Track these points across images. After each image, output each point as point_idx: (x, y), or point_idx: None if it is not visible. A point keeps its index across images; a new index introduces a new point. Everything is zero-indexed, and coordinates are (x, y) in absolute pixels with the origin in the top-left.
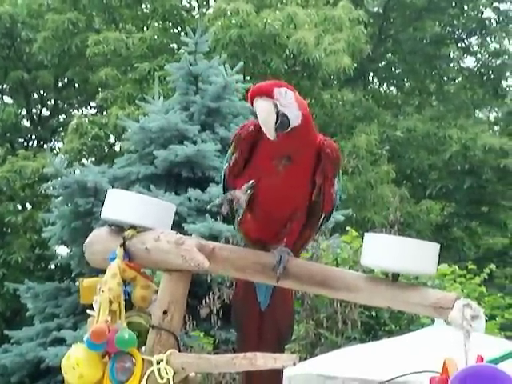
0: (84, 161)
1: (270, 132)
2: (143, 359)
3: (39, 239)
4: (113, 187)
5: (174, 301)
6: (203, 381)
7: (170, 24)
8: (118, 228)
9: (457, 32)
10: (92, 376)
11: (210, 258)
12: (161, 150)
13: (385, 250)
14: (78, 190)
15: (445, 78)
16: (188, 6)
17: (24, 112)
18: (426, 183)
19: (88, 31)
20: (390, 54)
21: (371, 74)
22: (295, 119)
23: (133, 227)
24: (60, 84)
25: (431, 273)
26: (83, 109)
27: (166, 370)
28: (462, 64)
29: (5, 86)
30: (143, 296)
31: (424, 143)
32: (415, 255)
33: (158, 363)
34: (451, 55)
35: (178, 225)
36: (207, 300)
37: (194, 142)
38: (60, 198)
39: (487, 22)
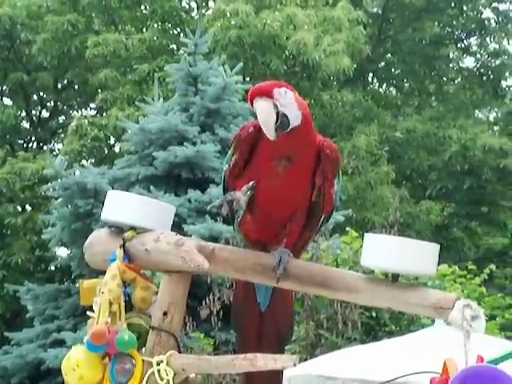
0: (84, 162)
1: (269, 132)
2: (143, 360)
3: (39, 241)
4: (112, 188)
5: (173, 302)
6: (203, 382)
7: (170, 25)
8: (118, 229)
9: (456, 32)
10: (92, 377)
11: (209, 259)
12: (160, 151)
13: (385, 251)
14: (78, 191)
15: (444, 79)
16: (187, 7)
17: (24, 113)
18: (425, 183)
19: (87, 33)
20: (389, 55)
21: (371, 74)
22: (295, 119)
23: (132, 228)
24: (60, 85)
25: (431, 273)
26: (83, 110)
27: (166, 371)
28: (461, 64)
29: (4, 87)
30: (143, 297)
31: (424, 144)
32: (415, 256)
33: (158, 364)
34: (450, 55)
35: (177, 226)
36: (207, 301)
37: (194, 143)
38: (60, 200)
39: (486, 22)
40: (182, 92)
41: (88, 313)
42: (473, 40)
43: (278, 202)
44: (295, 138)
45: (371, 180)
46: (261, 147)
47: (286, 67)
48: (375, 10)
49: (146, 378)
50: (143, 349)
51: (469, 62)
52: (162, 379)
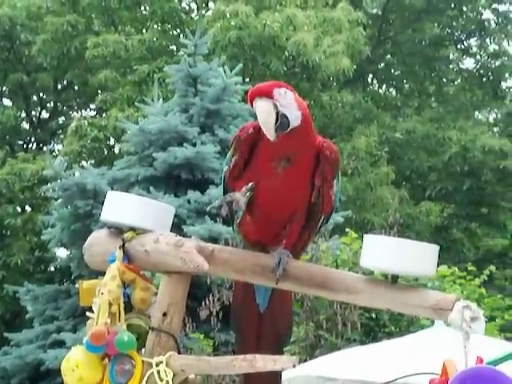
0: (83, 163)
1: (269, 132)
2: (143, 361)
3: (39, 241)
4: (112, 189)
5: (173, 303)
6: (203, 382)
7: (169, 26)
8: (118, 230)
9: (456, 33)
10: (91, 378)
11: (209, 259)
12: (160, 152)
13: (384, 252)
14: (78, 192)
15: (444, 80)
16: (187, 8)
17: (23, 114)
18: (425, 184)
19: (87, 33)
20: (389, 56)
21: (370, 75)
22: (295, 120)
23: (132, 229)
24: (59, 86)
25: (431, 274)
26: (82, 111)
27: (165, 372)
28: (461, 65)
29: (4, 88)
30: (143, 298)
31: (423, 144)
32: (415, 257)
33: (158, 365)
34: (450, 57)
35: (177, 227)
36: (207, 302)
37: (194, 144)
38: (59, 201)
39: (486, 23)
40: (181, 93)
41: (87, 313)
42: (473, 41)
43: (278, 202)
44: (295, 138)
45: (371, 181)
46: (260, 148)
47: (285, 68)
48: (375, 11)
49: (145, 379)
50: (143, 350)
51: (469, 63)
52: (161, 380)
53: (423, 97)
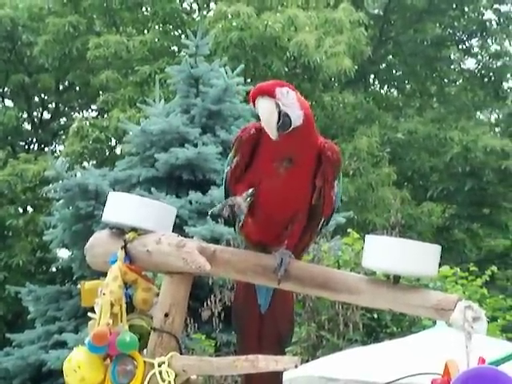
0: (85, 164)
1: (271, 132)
2: (145, 362)
3: (40, 242)
4: (114, 190)
5: (175, 303)
6: (204, 383)
7: (171, 27)
8: (119, 231)
9: (457, 34)
10: (93, 379)
11: (211, 260)
12: (162, 153)
13: (386, 252)
14: (79, 192)
15: (445, 80)
16: (188, 8)
17: (25, 115)
18: (427, 185)
19: (89, 34)
20: (390, 56)
21: (372, 76)
22: (297, 119)
23: (134, 230)
24: (61, 87)
25: (432, 275)
26: (84, 112)
27: (167, 372)
28: (462, 66)
29: (6, 89)
30: (144, 299)
31: (425, 145)
32: (416, 257)
33: (160, 366)
34: (452, 57)
35: (179, 227)
36: (208, 302)
37: (195, 145)
38: (61, 201)
39: (488, 23)
40: (183, 94)
41: (89, 314)
42: (474, 41)
43: (280, 203)
44: (297, 138)
45: (372, 181)
46: (262, 149)
47: (287, 69)
48: (376, 11)
49: (147, 380)
50: (144, 350)
51: (470, 63)
52: (163, 380)
53: (425, 97)
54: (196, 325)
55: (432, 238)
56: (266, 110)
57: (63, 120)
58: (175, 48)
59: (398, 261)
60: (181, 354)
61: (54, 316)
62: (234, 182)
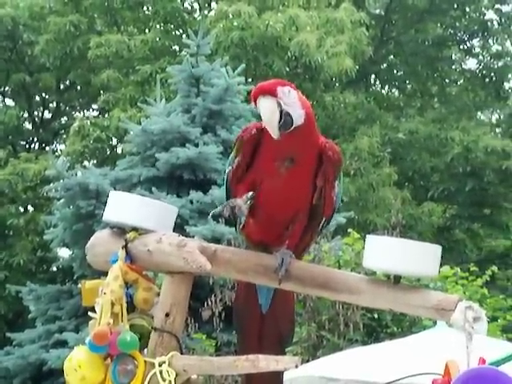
0: (86, 163)
1: (273, 131)
2: (145, 361)
3: (41, 241)
4: (115, 189)
5: (176, 303)
6: (205, 383)
7: (172, 26)
8: (120, 230)
9: (459, 34)
10: (94, 378)
11: (211, 260)
12: (163, 153)
13: (387, 253)
14: (80, 192)
15: (447, 80)
16: (190, 8)
17: (26, 114)
18: (427, 185)
19: (90, 33)
20: (391, 56)
21: (373, 76)
22: (298, 118)
23: (135, 229)
24: (62, 86)
25: (433, 275)
26: (85, 111)
27: (168, 372)
28: (463, 66)
29: (7, 88)
30: (145, 298)
31: (426, 145)
32: (417, 257)
33: (160, 365)
34: (453, 57)
35: (179, 227)
36: (209, 302)
37: (196, 145)
38: (62, 201)
39: (489, 23)
40: (184, 93)
41: (90, 313)
42: (475, 41)
43: (281, 202)
44: (298, 137)
45: (373, 182)
46: (263, 148)
47: (288, 68)
48: (378, 11)
49: (147, 379)
50: (145, 350)
51: (471, 63)
52: (163, 380)
53: (426, 97)
54: (197, 324)
55: (432, 238)
56: (267, 109)
57: (64, 119)
58: (176, 47)
59: (398, 261)
60: (181, 353)
61: (55, 315)
62: (235, 182)
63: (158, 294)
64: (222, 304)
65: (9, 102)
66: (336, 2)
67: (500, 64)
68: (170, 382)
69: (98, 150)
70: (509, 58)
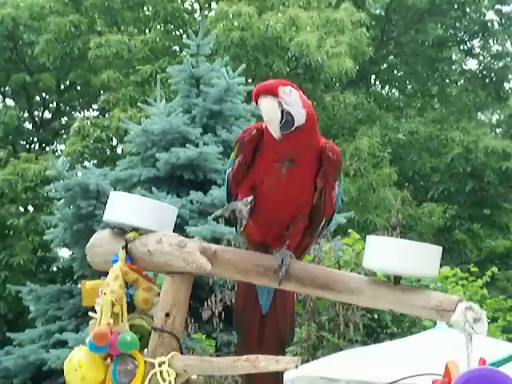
0: (86, 163)
1: (274, 131)
2: (145, 361)
3: (41, 242)
4: (115, 190)
5: (176, 303)
6: (205, 383)
7: (172, 26)
8: (120, 230)
9: (459, 34)
10: (94, 378)
11: (212, 260)
12: (163, 153)
13: (387, 253)
14: (80, 192)
15: (447, 81)
16: (190, 8)
17: (26, 114)
18: (428, 186)
19: (90, 34)
20: (392, 57)
21: (373, 76)
22: (300, 118)
23: (135, 230)
24: (62, 86)
25: (433, 275)
26: (85, 111)
27: (168, 372)
28: (464, 66)
29: (7, 88)
30: (145, 298)
31: (426, 146)
32: (417, 258)
33: (160, 365)
34: (453, 58)
35: (179, 227)
36: (209, 302)
37: (196, 145)
38: (62, 201)
39: (489, 24)
40: (184, 93)
41: (90, 314)
42: (476, 42)
43: (281, 203)
44: (299, 137)
45: (373, 182)
46: (264, 149)
47: (288, 69)
48: (378, 11)
49: (147, 379)
50: (145, 350)
51: (472, 64)
52: (164, 380)
53: (426, 98)
54: (196, 325)
55: (432, 238)
56: (268, 109)
57: (64, 119)
58: (176, 48)
59: (398, 262)
60: (181, 353)
61: (55, 315)
62: (235, 184)
63: (158, 295)
64: (222, 304)
65: (9, 102)
66: (336, 2)
67: (500, 64)
68: (170, 382)
69: (98, 150)
70: (509, 59)
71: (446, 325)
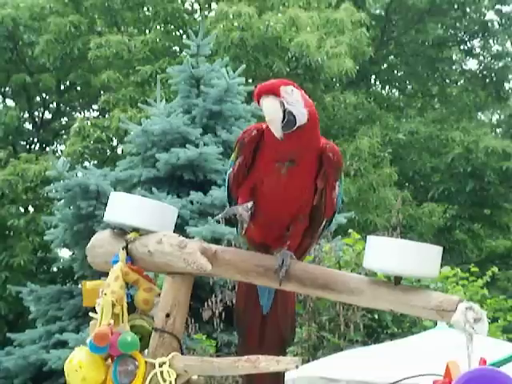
0: (86, 164)
1: (277, 130)
2: (146, 362)
3: (41, 242)
4: (115, 190)
5: (176, 304)
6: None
7: (172, 27)
8: (121, 231)
9: (459, 34)
10: (95, 379)
11: (212, 260)
12: (163, 153)
13: (387, 253)
14: (81, 192)
15: (447, 81)
16: (190, 8)
17: (26, 115)
18: (428, 186)
19: (90, 34)
20: (392, 57)
21: (373, 76)
22: (302, 117)
23: (135, 230)
24: (62, 87)
25: (433, 276)
26: (85, 112)
27: (168, 372)
28: (464, 66)
29: (7, 89)
30: (146, 299)
31: (426, 146)
32: (417, 258)
33: (161, 366)
34: (453, 58)
35: (180, 228)
36: (209, 303)
37: (196, 145)
38: (62, 201)
39: (489, 24)
40: (184, 94)
41: (91, 314)
42: (476, 42)
43: (282, 203)
44: (301, 136)
45: (374, 182)
46: (264, 149)
47: (288, 69)
48: (378, 11)
49: (148, 380)
50: (146, 350)
51: (472, 64)
52: (164, 381)
53: (426, 98)
54: (197, 325)
55: (433, 238)
56: (270, 108)
57: (64, 120)
58: (176, 48)
59: (399, 262)
60: (182, 354)
61: (55, 316)
62: (236, 184)
63: (159, 295)
64: (223, 304)
65: (9, 102)
66: (336, 2)
67: (500, 64)
68: (170, 382)
69: (98, 151)
70: (509, 59)
71: (446, 325)
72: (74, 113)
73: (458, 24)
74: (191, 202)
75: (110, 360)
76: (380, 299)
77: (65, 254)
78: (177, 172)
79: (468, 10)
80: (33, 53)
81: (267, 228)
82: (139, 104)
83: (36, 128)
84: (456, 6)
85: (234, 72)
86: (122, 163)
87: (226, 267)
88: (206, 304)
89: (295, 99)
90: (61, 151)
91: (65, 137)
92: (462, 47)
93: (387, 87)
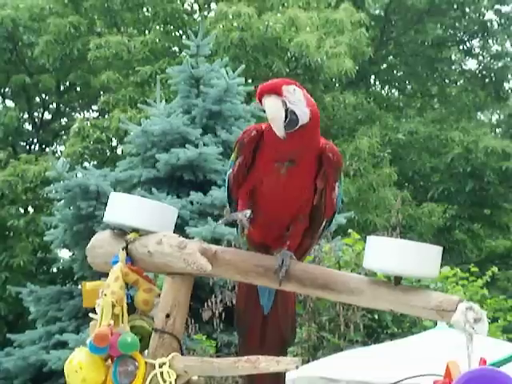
0: (86, 164)
1: (279, 130)
2: (146, 363)
3: (41, 243)
4: (115, 190)
5: (176, 304)
6: None
7: (172, 27)
8: (121, 231)
9: (458, 34)
10: (95, 379)
11: (212, 261)
12: (163, 154)
13: (387, 253)
14: (80, 193)
15: (446, 81)
16: (189, 9)
17: (26, 116)
18: (427, 186)
19: (90, 35)
20: (391, 57)
21: (373, 76)
22: (304, 116)
23: (135, 231)
24: (62, 88)
25: (433, 276)
26: (85, 112)
27: (168, 373)
28: (463, 66)
29: (7, 89)
30: (146, 299)
31: (426, 146)
32: (417, 258)
33: (161, 366)
34: (453, 58)
35: (180, 228)
36: (209, 303)
37: (196, 146)
38: (62, 202)
39: (489, 24)
40: (184, 94)
41: (91, 315)
42: (475, 42)
43: (281, 204)
44: (303, 136)
45: (373, 182)
46: (264, 149)
47: (288, 69)
48: (377, 12)
49: (148, 380)
50: (146, 351)
51: (471, 64)
52: (164, 381)
53: (426, 98)
54: (197, 325)
55: (433, 238)
56: (272, 108)
57: (64, 120)
58: (176, 48)
59: (399, 262)
60: (182, 354)
61: (55, 316)
62: (236, 185)
63: (159, 296)
64: (223, 305)
65: (9, 103)
66: (336, 2)
67: (500, 64)
68: (170, 383)
69: (98, 151)
70: (508, 59)
71: (446, 325)
72: (73, 113)
73: (457, 24)
74: (191, 203)
75: (109, 361)
76: (380, 299)
77: (65, 254)
78: (177, 172)
79: (467, 10)
80: (32, 53)
81: (267, 228)
82: (139, 104)
83: (36, 129)
84: (455, 6)
85: (233, 72)
86: (121, 164)
87: (226, 267)
88: (206, 304)
89: (297, 98)
90: (60, 152)
91: (64, 137)
92: (461, 47)
93: (387, 87)
